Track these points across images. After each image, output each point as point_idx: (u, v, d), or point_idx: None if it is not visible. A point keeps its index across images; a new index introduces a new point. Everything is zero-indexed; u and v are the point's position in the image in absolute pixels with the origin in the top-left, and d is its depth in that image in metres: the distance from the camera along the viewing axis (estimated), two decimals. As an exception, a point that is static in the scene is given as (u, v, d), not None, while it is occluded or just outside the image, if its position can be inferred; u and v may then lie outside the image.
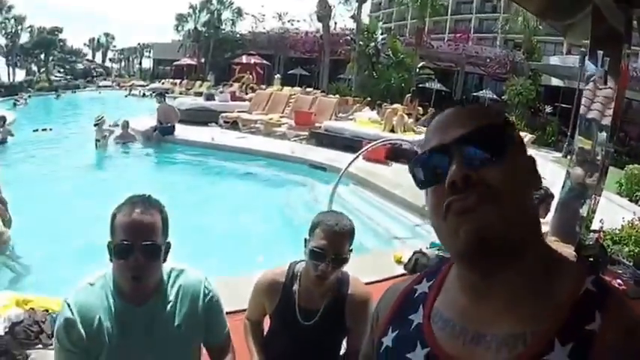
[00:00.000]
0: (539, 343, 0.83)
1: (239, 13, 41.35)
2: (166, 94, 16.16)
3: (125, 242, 1.75)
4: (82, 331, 1.80)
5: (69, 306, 1.82)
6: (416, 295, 1.05)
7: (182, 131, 13.88)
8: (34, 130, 14.97)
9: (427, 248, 5.29)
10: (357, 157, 9.03)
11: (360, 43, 26.49)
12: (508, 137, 0.89)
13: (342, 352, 2.46)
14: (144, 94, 30.18)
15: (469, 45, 29.51)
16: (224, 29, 41.02)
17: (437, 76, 27.68)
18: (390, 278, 3.44)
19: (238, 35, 40.17)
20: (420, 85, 26.09)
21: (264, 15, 37.87)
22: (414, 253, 5.05)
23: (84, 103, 25.59)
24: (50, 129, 15.57)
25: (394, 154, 11.94)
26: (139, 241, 1.75)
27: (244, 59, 31.15)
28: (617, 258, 5.20)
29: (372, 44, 26.47)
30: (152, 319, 1.90)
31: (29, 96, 24.58)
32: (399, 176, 10.49)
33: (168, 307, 1.93)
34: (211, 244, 6.61)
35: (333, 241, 2.10)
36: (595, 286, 0.86)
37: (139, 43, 53.44)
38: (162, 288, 1.94)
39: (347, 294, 2.27)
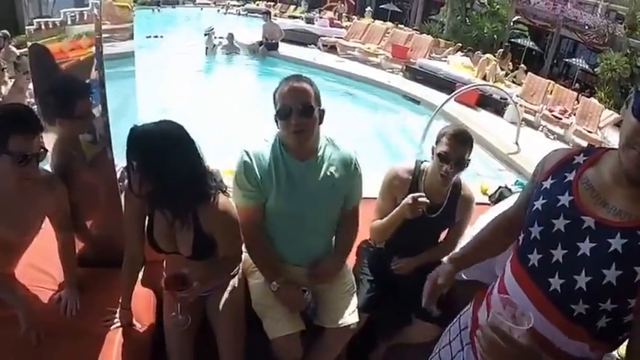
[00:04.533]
0: (638, 221, 1.26)
1: (335, -62, 39.71)
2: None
3: (285, 105, 2.19)
4: (257, 172, 2.28)
5: (247, 154, 2.31)
6: (574, 162, 1.45)
7: (284, 49, 14.35)
8: (147, 37, 15.42)
9: (512, 185, 5.49)
10: (453, 96, 9.20)
11: (456, -15, 25.13)
12: None
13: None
14: (239, 13, 30.40)
15: (567, 7, 27.50)
16: (319, -45, 39.47)
17: (530, 34, 26.22)
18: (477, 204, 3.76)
19: (334, -37, 38.67)
20: (512, 40, 24.96)
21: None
22: (500, 187, 5.30)
23: (184, 17, 25.97)
24: (161, 36, 16.20)
25: (484, 101, 12.05)
26: (296, 103, 2.17)
27: (338, -12, 30.66)
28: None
29: (468, -11, 25.06)
30: (311, 174, 2.34)
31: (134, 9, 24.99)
32: (487, 122, 10.64)
33: (324, 166, 2.37)
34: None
35: (456, 147, 2.51)
36: None
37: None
38: (321, 150, 2.38)
39: (460, 194, 2.70)
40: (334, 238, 2.64)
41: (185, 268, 2.08)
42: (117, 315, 2.37)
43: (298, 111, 2.17)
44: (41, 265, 2.69)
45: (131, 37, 2.80)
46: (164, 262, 2.51)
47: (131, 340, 2.34)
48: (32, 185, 2.20)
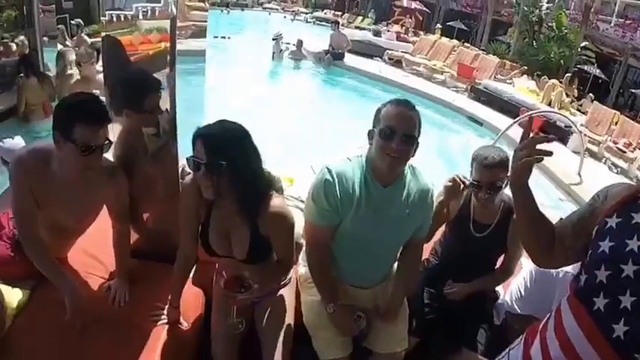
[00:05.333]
0: None
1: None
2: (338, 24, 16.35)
3: (390, 127, 2.05)
4: (338, 192, 2.14)
5: (329, 171, 2.16)
6: (639, 201, 1.36)
7: (350, 59, 14.26)
8: (214, 37, 15.54)
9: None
10: (517, 121, 8.86)
11: (525, 7, 24.28)
12: None
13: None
14: (307, 21, 30.61)
15: (637, 36, 26.20)
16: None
17: (597, 61, 24.87)
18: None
19: (401, -23, 38.33)
20: (579, 66, 24.21)
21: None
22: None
23: (252, 20, 26.48)
24: (229, 37, 16.41)
25: (548, 127, 11.58)
26: (401, 128, 2.05)
27: (405, 2, 30.01)
28: None
29: (537, 11, 24.19)
30: (390, 201, 2.21)
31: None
32: (550, 149, 10.26)
33: (404, 194, 2.23)
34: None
35: (485, 174, 2.43)
36: None
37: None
38: (403, 178, 2.24)
39: (512, 218, 2.52)
40: (396, 268, 2.52)
41: (240, 271, 2.02)
42: (165, 311, 2.34)
43: (401, 137, 2.05)
44: (94, 252, 2.71)
45: (203, 36, 2.79)
46: (217, 263, 2.44)
47: (176, 338, 2.30)
48: (94, 174, 2.19)
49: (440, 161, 8.46)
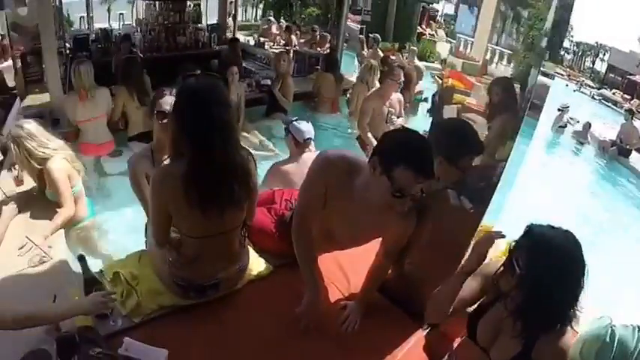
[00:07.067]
0: None
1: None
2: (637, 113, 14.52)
3: None
4: None
5: (612, 333, 1.84)
6: None
7: (635, 159, 11.90)
8: None
9: None
10: None
11: None
12: None
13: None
14: (593, 97, 28.36)
15: None
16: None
17: None
18: None
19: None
20: None
21: None
22: None
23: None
24: None
25: None
26: None
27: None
28: None
29: None
30: None
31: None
32: None
33: None
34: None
35: None
36: None
37: (596, 42, 47.95)
38: None
39: None
40: None
41: None
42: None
43: None
44: (346, 267, 2.81)
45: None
46: (455, 342, 2.23)
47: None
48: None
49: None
